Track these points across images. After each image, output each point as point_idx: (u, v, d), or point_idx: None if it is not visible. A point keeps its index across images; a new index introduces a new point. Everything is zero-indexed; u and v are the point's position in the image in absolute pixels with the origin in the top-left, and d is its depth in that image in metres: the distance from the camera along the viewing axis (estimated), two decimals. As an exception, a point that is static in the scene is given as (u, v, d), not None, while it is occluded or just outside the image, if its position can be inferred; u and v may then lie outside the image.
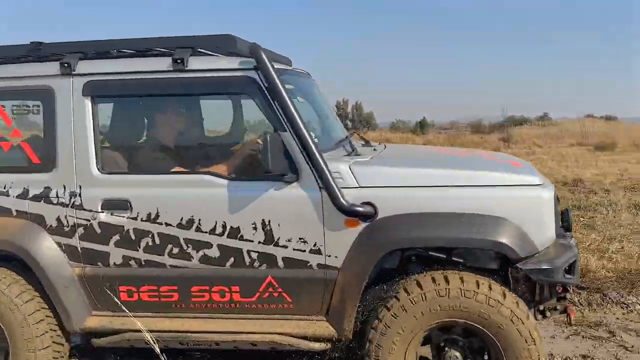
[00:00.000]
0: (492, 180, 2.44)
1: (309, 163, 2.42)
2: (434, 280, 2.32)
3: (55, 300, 2.64)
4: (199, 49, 2.66)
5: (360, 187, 2.44)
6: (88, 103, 2.63)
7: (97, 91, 2.62)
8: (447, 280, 2.30)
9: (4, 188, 2.69)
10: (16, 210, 2.68)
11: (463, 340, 2.43)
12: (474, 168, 2.60)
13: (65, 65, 2.61)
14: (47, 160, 2.68)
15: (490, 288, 2.30)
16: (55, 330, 2.71)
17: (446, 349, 2.42)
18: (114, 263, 2.64)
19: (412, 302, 2.30)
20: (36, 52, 2.73)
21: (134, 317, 2.62)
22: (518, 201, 2.39)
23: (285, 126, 2.44)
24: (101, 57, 2.74)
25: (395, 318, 2.32)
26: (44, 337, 2.66)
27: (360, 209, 2.39)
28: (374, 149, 3.03)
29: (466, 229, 2.33)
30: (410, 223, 2.37)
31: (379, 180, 2.46)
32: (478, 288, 2.28)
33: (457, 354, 2.40)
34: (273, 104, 2.46)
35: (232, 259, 2.55)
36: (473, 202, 2.38)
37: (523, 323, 2.25)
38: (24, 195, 2.68)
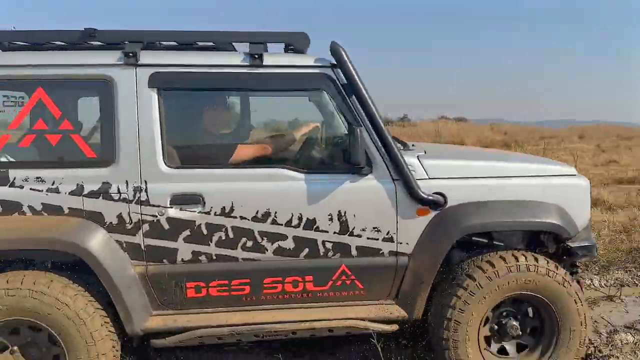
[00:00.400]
0: (542, 171, 2.81)
1: (384, 156, 2.59)
2: (503, 259, 2.62)
3: (116, 301, 2.50)
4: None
5: (430, 178, 2.67)
6: (154, 95, 2.52)
7: (165, 83, 2.53)
8: (515, 258, 2.59)
9: (53, 184, 2.49)
10: (69, 208, 2.49)
11: (517, 311, 2.75)
12: (524, 161, 2.95)
13: (130, 55, 2.48)
14: (105, 154, 2.52)
15: (547, 262, 2.64)
16: (113, 334, 2.56)
17: (506, 320, 2.72)
18: (182, 259, 2.57)
19: (488, 279, 2.57)
20: (90, 40, 2.55)
21: (202, 313, 2.59)
22: (564, 189, 2.77)
23: (363, 121, 2.58)
24: (156, 48, 2.65)
25: (473, 295, 2.56)
26: (104, 343, 2.50)
27: (433, 198, 2.59)
28: (413, 145, 3.23)
29: (527, 214, 2.64)
30: (478, 211, 2.64)
31: (446, 172, 2.70)
32: (538, 262, 2.60)
33: (515, 323, 2.70)
34: (349, 100, 2.57)
35: (306, 250, 2.62)
36: (528, 190, 2.71)
37: (571, 286, 2.65)
38: (78, 192, 2.49)
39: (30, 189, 2.48)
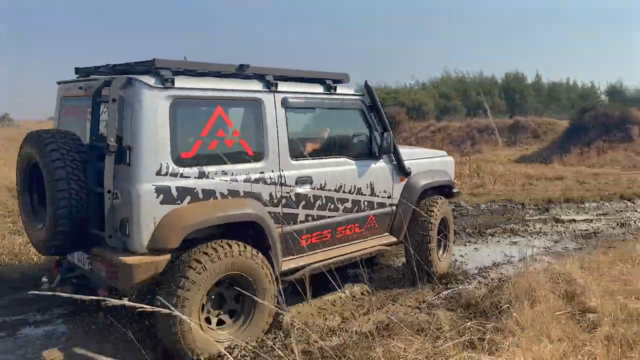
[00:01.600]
0: (439, 154, 5.48)
1: (389, 148, 4.63)
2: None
3: (273, 254, 3.82)
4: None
5: (405, 160, 4.87)
6: (283, 111, 3.96)
7: (289, 104, 4.03)
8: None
9: (232, 175, 3.65)
10: (243, 192, 3.72)
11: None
12: (429, 150, 5.52)
13: (272, 85, 3.88)
14: (259, 152, 3.83)
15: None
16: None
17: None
18: (300, 220, 4.08)
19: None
20: (243, 71, 3.77)
21: (309, 255, 4.13)
22: (447, 163, 5.44)
23: (381, 129, 4.63)
24: (284, 79, 4.09)
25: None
26: (272, 283, 3.69)
27: (408, 170, 4.80)
28: None
29: (446, 177, 5.25)
30: (426, 176, 5.13)
31: (408, 157, 4.96)
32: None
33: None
34: (371, 116, 4.61)
35: (356, 207, 4.50)
36: (439, 164, 5.32)
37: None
38: (247, 180, 3.75)
39: (220, 180, 3.55)
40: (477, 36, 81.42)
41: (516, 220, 8.58)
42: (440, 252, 5.28)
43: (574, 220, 8.58)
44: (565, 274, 4.46)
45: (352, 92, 4.55)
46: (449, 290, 4.80)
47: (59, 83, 4.14)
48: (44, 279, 3.75)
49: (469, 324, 3.43)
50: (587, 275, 4.43)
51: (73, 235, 3.34)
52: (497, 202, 10.19)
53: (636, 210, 9.58)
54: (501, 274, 5.50)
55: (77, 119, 3.90)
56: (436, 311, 4.21)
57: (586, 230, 7.88)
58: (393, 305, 4.61)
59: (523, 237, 7.51)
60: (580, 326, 3.57)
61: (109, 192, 3.20)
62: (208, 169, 3.48)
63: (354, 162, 4.47)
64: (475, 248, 6.86)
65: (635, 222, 8.35)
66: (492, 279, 5.31)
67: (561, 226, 8.18)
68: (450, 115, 29.98)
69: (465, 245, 7.08)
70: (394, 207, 4.84)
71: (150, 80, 3.28)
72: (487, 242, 7.22)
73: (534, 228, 8.00)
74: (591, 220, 8.61)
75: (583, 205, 10.06)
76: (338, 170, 4.31)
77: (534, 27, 79.76)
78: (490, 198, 10.52)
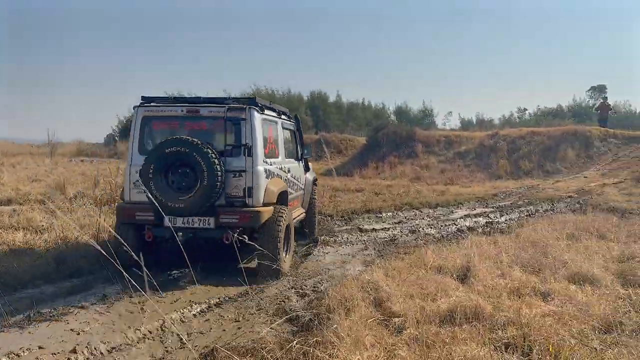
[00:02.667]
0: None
1: (303, 157, 8.28)
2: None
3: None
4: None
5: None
6: (282, 130, 7.37)
7: (284, 126, 7.55)
8: None
9: (273, 165, 6.43)
10: (277, 174, 6.49)
11: None
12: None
13: (279, 115, 7.34)
14: (278, 153, 6.90)
15: None
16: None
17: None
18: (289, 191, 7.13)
19: None
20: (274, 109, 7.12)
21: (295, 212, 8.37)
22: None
23: (303, 147, 8.31)
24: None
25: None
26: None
27: (314, 176, 8.54)
28: None
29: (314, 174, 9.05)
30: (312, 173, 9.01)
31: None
32: None
33: None
34: (298, 134, 8.27)
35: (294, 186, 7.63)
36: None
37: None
38: (278, 167, 6.68)
39: (273, 167, 6.38)
40: (285, 55, 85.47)
41: (326, 231, 9.17)
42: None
43: (375, 229, 9.51)
44: (372, 282, 4.90)
45: (292, 119, 8.20)
46: (271, 305, 4.90)
47: (137, 107, 6.16)
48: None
49: (294, 343, 3.53)
50: (391, 282, 4.94)
51: (208, 201, 5.66)
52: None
53: (423, 218, 11.04)
54: (317, 285, 5.80)
55: (164, 131, 6.10)
56: (260, 328, 4.25)
57: (385, 238, 8.79)
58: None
59: (332, 247, 8.06)
60: (389, 330, 3.95)
61: (239, 172, 5.83)
62: (270, 160, 6.31)
63: (295, 161, 7.86)
64: (294, 262, 7.12)
65: (423, 229, 9.60)
66: (311, 291, 5.56)
67: (365, 235, 9.00)
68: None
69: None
70: (302, 191, 8.13)
71: (256, 109, 6.05)
72: (305, 254, 7.57)
73: (342, 238, 8.65)
74: (388, 229, 9.65)
75: (381, 215, 11.23)
76: (293, 166, 7.52)
77: (334, 50, 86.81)
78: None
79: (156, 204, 5.02)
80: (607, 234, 7.64)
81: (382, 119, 36.07)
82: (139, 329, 4.36)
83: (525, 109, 38.65)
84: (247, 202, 5.78)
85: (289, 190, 6.78)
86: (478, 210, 12.02)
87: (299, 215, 7.53)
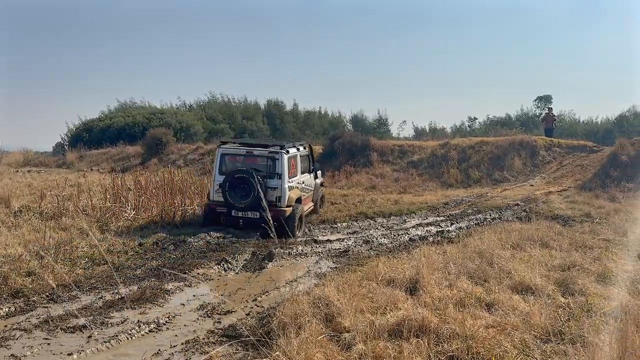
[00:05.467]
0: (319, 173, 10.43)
1: (314, 171, 12.34)
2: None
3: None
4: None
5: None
6: (299, 158, 11.37)
7: (300, 154, 11.48)
8: None
9: (293, 182, 10.64)
10: (294, 187, 10.66)
11: None
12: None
13: (284, 148, 10.48)
14: (297, 172, 11.03)
15: None
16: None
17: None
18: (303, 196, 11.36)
19: None
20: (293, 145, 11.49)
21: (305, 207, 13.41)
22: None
23: (314, 164, 12.43)
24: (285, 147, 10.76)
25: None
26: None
27: (322, 180, 12.36)
28: None
29: (323, 178, 11.26)
30: (320, 178, 13.12)
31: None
32: None
33: None
34: (311, 157, 12.26)
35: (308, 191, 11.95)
36: (321, 175, 11.44)
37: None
38: (296, 181, 10.90)
39: (295, 183, 10.70)
40: (241, 63, 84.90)
41: (281, 243, 9.13)
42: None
43: (330, 241, 9.56)
44: (324, 297, 4.91)
45: (306, 148, 12.07)
46: (223, 324, 4.84)
47: (219, 146, 10.88)
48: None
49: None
50: (342, 297, 4.96)
51: (257, 204, 9.38)
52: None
53: (377, 228, 11.18)
54: (262, 303, 5.77)
55: (232, 162, 10.54)
56: (211, 348, 4.19)
57: (339, 249, 8.84)
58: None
59: (287, 259, 8.04)
60: (339, 346, 3.98)
61: (273, 188, 10.07)
62: (291, 179, 10.41)
63: (309, 174, 11.88)
64: (247, 277, 7.06)
65: (376, 239, 9.71)
66: (263, 307, 5.51)
67: (319, 246, 9.02)
68: (218, 138, 30.44)
69: (237, 273, 7.24)
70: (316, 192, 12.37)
71: (284, 152, 10.25)
72: (258, 268, 7.50)
73: (297, 250, 8.64)
74: (343, 239, 9.71)
75: (336, 225, 11.29)
76: (307, 179, 11.53)
77: (292, 59, 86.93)
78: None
79: (228, 204, 10.08)
80: (550, 242, 7.95)
81: (339, 127, 36.32)
82: (82, 352, 4.21)
83: (475, 118, 39.76)
84: (277, 205, 10.12)
85: (302, 193, 11.10)
86: (430, 219, 12.27)
87: (309, 208, 11.99)
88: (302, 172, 11.56)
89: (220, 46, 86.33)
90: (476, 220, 11.76)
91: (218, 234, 9.48)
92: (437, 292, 5.20)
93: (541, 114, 33.50)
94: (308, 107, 41.60)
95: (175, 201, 11.78)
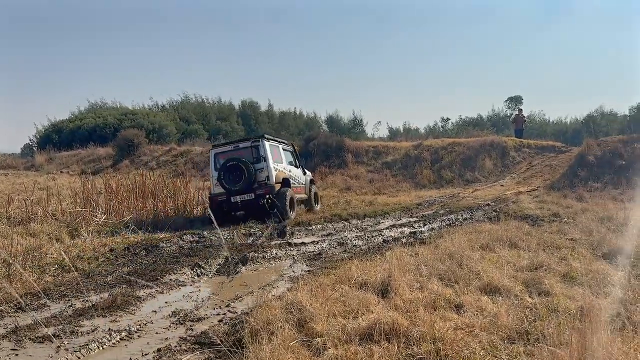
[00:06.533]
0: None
1: (300, 166, 14.54)
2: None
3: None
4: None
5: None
6: (282, 151, 13.91)
7: (285, 149, 14.13)
8: None
9: (280, 165, 13.09)
10: (282, 170, 13.04)
11: None
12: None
13: (282, 143, 14.00)
14: (282, 161, 13.41)
15: None
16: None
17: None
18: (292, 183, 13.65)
19: None
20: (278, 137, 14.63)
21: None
22: (311, 173, 11.97)
23: (299, 159, 14.65)
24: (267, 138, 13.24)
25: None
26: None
27: (311, 177, 14.82)
28: None
29: (313, 175, 12.78)
30: (309, 175, 15.38)
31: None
32: None
33: None
34: (295, 154, 14.53)
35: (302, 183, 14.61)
36: (310, 173, 12.28)
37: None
38: (283, 167, 13.38)
39: (279, 166, 13.00)
40: (215, 62, 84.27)
41: (255, 247, 9.13)
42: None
43: (304, 243, 9.59)
44: (296, 302, 4.95)
45: (290, 145, 14.53)
46: (195, 331, 4.83)
47: (211, 149, 13.15)
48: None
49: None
50: (315, 301, 5.01)
51: (249, 185, 12.04)
52: (240, 229, 10.66)
53: (351, 230, 11.26)
54: (235, 310, 5.78)
55: (224, 158, 12.41)
56: (183, 356, 4.18)
57: (314, 252, 8.89)
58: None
59: (261, 263, 8.05)
60: (311, 351, 4.02)
61: (261, 169, 12.29)
62: (276, 163, 12.68)
63: (297, 169, 14.19)
64: (220, 282, 7.05)
65: (350, 241, 9.78)
66: (236, 313, 5.52)
67: (294, 249, 9.05)
68: (192, 139, 30.18)
69: (211, 278, 7.22)
70: (306, 188, 14.31)
71: (265, 140, 12.69)
72: (232, 273, 7.50)
73: (271, 253, 8.65)
74: (317, 242, 9.76)
75: (310, 227, 11.34)
76: (297, 172, 14.09)
77: (266, 59, 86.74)
78: (231, 227, 10.93)
79: (226, 189, 12.02)
80: (519, 243, 8.15)
81: (314, 128, 36.44)
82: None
83: (448, 119, 40.41)
84: (267, 182, 12.13)
85: (292, 181, 13.10)
86: (403, 220, 12.43)
87: (302, 197, 13.85)
88: (289, 164, 13.66)
89: (194, 46, 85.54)
90: (448, 220, 11.97)
91: (191, 238, 9.43)
92: (408, 295, 5.29)
93: (512, 114, 34.19)
94: (283, 108, 41.68)
95: (147, 205, 11.66)
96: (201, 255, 8.36)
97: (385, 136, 35.17)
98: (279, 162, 12.91)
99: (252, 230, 10.54)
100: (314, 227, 11.45)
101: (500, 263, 6.68)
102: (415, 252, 7.63)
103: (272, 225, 10.83)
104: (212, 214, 10.86)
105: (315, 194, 15.10)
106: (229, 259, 8.14)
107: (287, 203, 11.91)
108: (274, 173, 12.27)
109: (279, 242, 9.75)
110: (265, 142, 12.47)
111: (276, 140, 13.49)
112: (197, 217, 12.88)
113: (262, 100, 51.33)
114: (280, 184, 12.36)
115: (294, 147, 14.77)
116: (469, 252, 7.18)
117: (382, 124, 48.30)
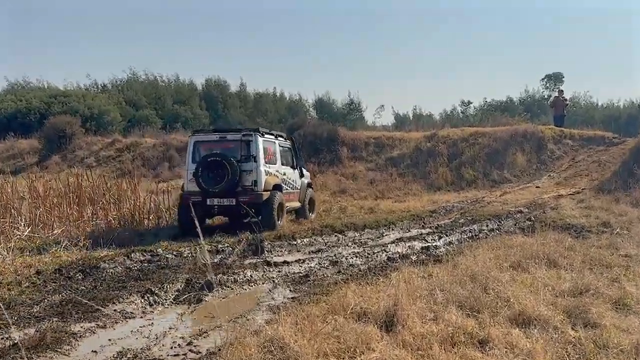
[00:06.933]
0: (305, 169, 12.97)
1: (298, 166, 15.19)
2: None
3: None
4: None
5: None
6: (278, 147, 14.34)
7: (280, 144, 14.57)
8: None
9: (272, 168, 13.42)
10: (274, 175, 13.47)
11: None
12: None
13: (276, 137, 14.35)
14: (276, 160, 14.04)
15: None
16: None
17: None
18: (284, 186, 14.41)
19: None
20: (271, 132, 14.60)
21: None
22: (308, 174, 17.33)
23: (298, 157, 15.40)
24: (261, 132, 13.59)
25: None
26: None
27: (309, 180, 15.96)
28: None
29: (310, 178, 16.95)
30: (307, 178, 16.07)
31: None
32: None
33: None
34: (294, 151, 15.36)
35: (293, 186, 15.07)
36: (308, 175, 16.69)
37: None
38: (276, 170, 13.90)
39: (272, 169, 13.43)
40: (168, 32, 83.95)
41: (225, 267, 9.12)
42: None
43: (287, 262, 9.62)
44: (277, 339, 4.98)
45: (289, 140, 15.37)
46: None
47: (192, 135, 13.62)
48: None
49: None
50: (301, 337, 5.04)
51: (232, 188, 12.38)
52: (205, 244, 10.60)
53: (347, 245, 11.32)
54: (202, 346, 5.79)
55: (206, 150, 12.87)
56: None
57: (299, 273, 8.93)
58: None
59: (232, 288, 8.06)
60: (296, 401, 4.05)
61: (249, 171, 12.61)
62: (269, 165, 13.16)
63: (290, 169, 14.78)
64: (179, 313, 7.06)
65: (346, 259, 9.83)
66: (201, 354, 5.53)
67: (274, 270, 9.07)
68: (142, 128, 30.06)
69: (168, 308, 7.22)
70: (299, 189, 14.94)
71: (259, 134, 13.07)
72: (194, 301, 7.50)
73: (244, 276, 8.66)
74: (304, 260, 9.80)
75: (295, 242, 11.37)
76: (290, 172, 14.62)
77: (235, 25, 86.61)
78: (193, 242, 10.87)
79: (202, 190, 12.31)
80: (559, 260, 8.27)
81: (300, 114, 36.55)
82: None
83: (469, 102, 40.79)
84: (254, 189, 12.49)
85: (284, 186, 13.60)
86: (413, 232, 12.54)
87: (294, 205, 14.42)
88: (284, 164, 14.26)
89: (144, 10, 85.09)
90: (470, 232, 12.09)
91: (142, 257, 9.42)
92: (420, 327, 5.35)
93: (550, 96, 34.56)
94: (260, 89, 41.75)
95: (85, 214, 11.63)
96: (154, 278, 8.34)
97: (390, 124, 35.40)
98: (272, 163, 13.41)
99: (221, 245, 10.54)
100: (299, 241, 11.48)
101: (535, 286, 6.77)
102: (429, 272, 7.71)
103: (245, 239, 10.78)
104: (180, 218, 12.43)
105: (311, 199, 15.57)
106: (191, 283, 8.15)
107: (275, 212, 12.55)
108: (263, 178, 12.64)
109: (254, 260, 9.76)
110: (258, 137, 12.86)
111: (272, 135, 13.96)
112: (149, 229, 12.86)
113: (232, 79, 51.35)
114: (269, 192, 12.67)
115: (293, 142, 15.44)
116: (496, 273, 7.27)
117: (385, 109, 48.39)
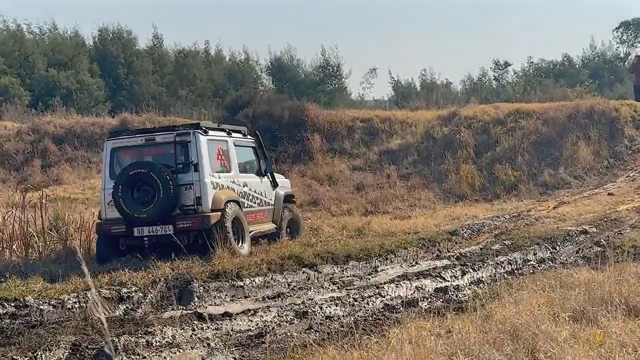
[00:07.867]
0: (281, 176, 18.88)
1: (267, 172, 16.65)
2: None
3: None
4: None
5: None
6: (234, 147, 15.94)
7: (236, 143, 16.02)
8: None
9: (224, 178, 14.47)
10: (228, 187, 14.69)
11: None
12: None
13: (229, 133, 15.66)
14: (230, 168, 15.53)
15: None
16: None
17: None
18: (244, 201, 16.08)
19: None
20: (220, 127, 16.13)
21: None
22: (287, 182, 19.37)
23: (267, 159, 16.82)
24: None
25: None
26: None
27: (288, 190, 17.91)
28: None
29: (288, 188, 19.04)
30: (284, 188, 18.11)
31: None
32: None
33: None
34: (259, 151, 16.95)
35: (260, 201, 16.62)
36: (286, 182, 18.87)
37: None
38: (230, 180, 15.00)
39: (223, 180, 14.47)
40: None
41: (132, 323, 9.02)
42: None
43: (228, 315, 9.54)
44: None
45: (255, 137, 16.91)
46: None
47: (107, 140, 14.62)
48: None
49: None
50: None
51: (166, 211, 13.31)
52: (102, 286, 10.49)
53: (322, 285, 11.28)
54: None
55: (130, 159, 14.01)
56: None
57: (248, 331, 8.87)
58: None
59: (145, 358, 7.99)
60: None
61: (189, 185, 13.58)
62: (219, 174, 14.30)
63: (257, 177, 16.44)
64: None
65: (321, 308, 9.76)
66: None
67: (209, 329, 8.98)
68: None
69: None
70: (271, 206, 16.29)
71: (200, 132, 13.96)
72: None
73: (163, 337, 8.57)
74: (255, 312, 9.72)
75: (240, 283, 11.30)
76: (255, 180, 16.15)
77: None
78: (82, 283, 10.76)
79: (125, 217, 12.83)
80: (644, 307, 8.33)
81: (246, 83, 36.44)
82: None
83: (507, 64, 41.02)
84: (197, 209, 13.20)
85: (246, 201, 14.76)
86: (423, 266, 12.57)
87: (265, 229, 15.56)
88: (244, 171, 15.63)
89: None
90: (508, 264, 12.20)
91: (1, 310, 9.30)
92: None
93: (629, 55, 34.91)
94: (184, 44, 41.57)
95: None
96: (22, 343, 8.24)
97: (386, 99, 35.46)
98: (223, 170, 14.52)
99: (126, 289, 10.43)
100: (247, 281, 11.42)
101: (609, 348, 6.82)
102: (447, 328, 7.73)
103: (164, 279, 10.68)
104: (98, 259, 13.27)
105: (293, 219, 17.05)
106: (80, 349, 8.07)
107: (230, 235, 13.49)
108: (210, 192, 13.41)
109: (179, 312, 9.69)
110: (200, 136, 13.67)
111: (223, 131, 15.21)
112: (12, 264, 12.69)
113: (139, 30, 51.17)
114: (219, 211, 13.38)
115: (258, 139, 16.77)
116: (549, 327, 7.31)
117: (378, 74, 48.12)
